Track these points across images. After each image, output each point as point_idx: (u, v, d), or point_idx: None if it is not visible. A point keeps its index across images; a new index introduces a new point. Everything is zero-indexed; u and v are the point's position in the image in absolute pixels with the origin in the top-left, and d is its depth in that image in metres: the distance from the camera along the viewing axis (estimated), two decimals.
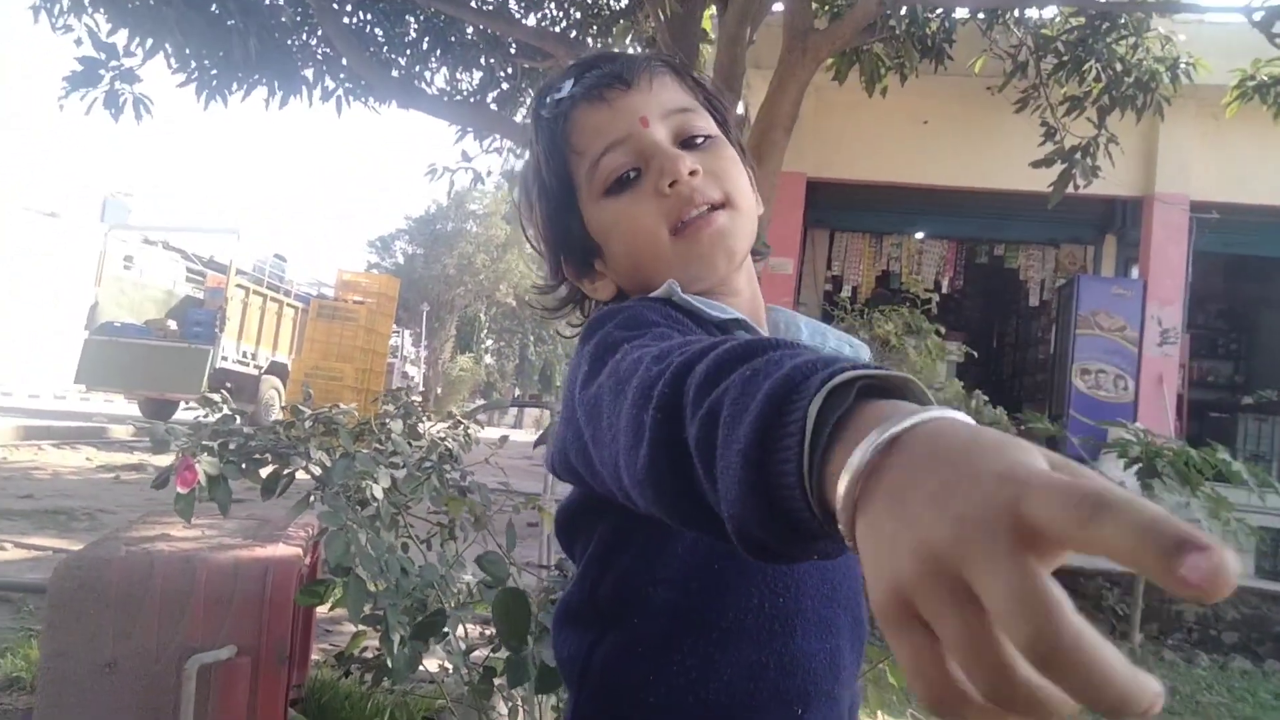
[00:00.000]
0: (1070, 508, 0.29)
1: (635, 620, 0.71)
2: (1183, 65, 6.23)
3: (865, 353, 0.86)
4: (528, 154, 0.86)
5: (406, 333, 27.06)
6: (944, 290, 11.20)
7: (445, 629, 1.55)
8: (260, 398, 14.04)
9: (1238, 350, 12.22)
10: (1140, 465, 5.08)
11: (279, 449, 1.68)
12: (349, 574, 1.48)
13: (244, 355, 14.11)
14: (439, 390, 34.49)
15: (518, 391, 37.85)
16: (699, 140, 0.81)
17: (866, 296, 11.04)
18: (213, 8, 7.06)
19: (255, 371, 14.35)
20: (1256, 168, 8.72)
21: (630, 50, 7.43)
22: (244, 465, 1.58)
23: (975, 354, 5.83)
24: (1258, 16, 5.33)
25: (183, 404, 13.01)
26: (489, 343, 41.52)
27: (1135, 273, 9.59)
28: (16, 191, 20.75)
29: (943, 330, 5.59)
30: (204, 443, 1.52)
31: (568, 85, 0.81)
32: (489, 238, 37.10)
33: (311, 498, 1.58)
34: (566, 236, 0.84)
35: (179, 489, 1.45)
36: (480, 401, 35.92)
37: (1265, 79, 5.86)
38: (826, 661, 0.71)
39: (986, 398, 4.61)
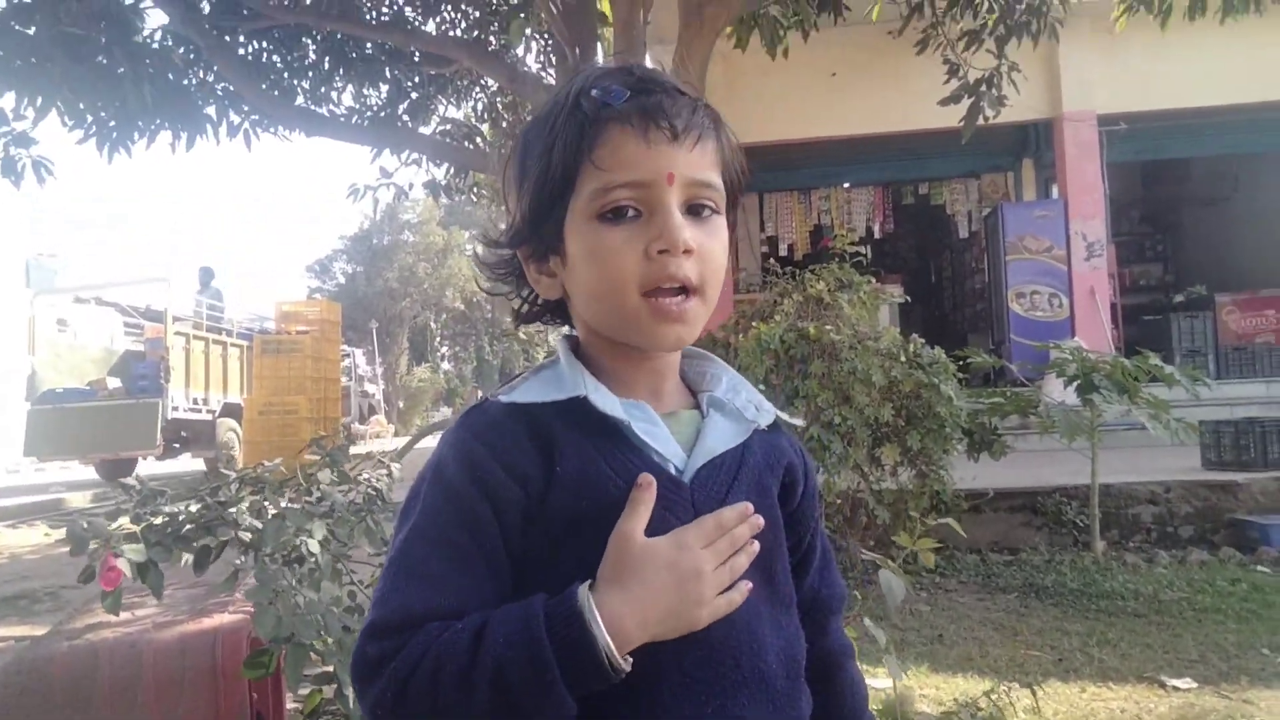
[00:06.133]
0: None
1: None
2: None
3: (769, 410, 0.88)
4: (547, 115, 0.82)
5: (359, 352, 26.71)
6: (877, 235, 11.35)
7: None
8: (218, 442, 13.85)
9: (1164, 250, 12.55)
10: (1079, 381, 5.22)
11: (206, 520, 1.68)
12: (289, 640, 1.49)
13: (195, 402, 13.85)
14: (401, 404, 34.19)
15: (480, 393, 37.56)
16: (704, 212, 0.81)
17: (805, 251, 11.16)
18: (99, 58, 6.84)
19: (209, 416, 14.10)
20: (1153, 75, 8.94)
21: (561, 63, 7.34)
22: (172, 545, 1.58)
23: (909, 299, 5.94)
24: None
25: (140, 459, 12.81)
26: (444, 349, 41.22)
27: (1055, 192, 9.81)
28: None
29: (878, 275, 5.69)
30: (126, 530, 1.52)
31: (618, 95, 0.78)
32: (427, 245, 36.70)
33: (239, 560, 1.59)
34: (541, 224, 0.82)
35: (104, 588, 1.45)
36: (444, 409, 35.48)
37: None
38: None
39: (923, 340, 4.70)
